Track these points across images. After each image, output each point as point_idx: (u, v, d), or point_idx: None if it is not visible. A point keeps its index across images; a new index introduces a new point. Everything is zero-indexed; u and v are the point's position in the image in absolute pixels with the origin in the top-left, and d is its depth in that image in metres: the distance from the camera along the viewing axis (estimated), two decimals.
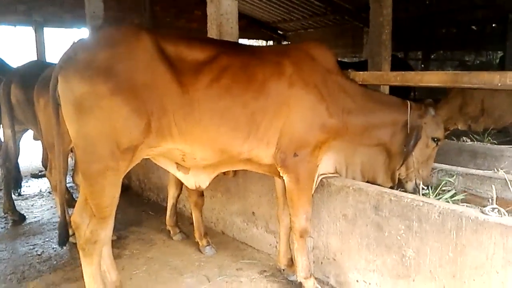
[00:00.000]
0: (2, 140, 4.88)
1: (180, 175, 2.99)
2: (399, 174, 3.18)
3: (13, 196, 4.86)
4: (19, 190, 4.93)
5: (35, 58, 8.40)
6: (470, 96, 5.72)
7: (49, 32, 9.31)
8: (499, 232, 2.21)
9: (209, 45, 2.80)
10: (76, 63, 2.40)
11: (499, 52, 10.15)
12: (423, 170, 3.15)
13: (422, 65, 11.75)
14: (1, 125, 4.79)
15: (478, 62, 10.69)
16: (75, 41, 2.62)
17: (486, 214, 2.31)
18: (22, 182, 5.93)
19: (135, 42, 2.48)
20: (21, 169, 5.08)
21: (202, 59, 2.65)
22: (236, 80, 2.68)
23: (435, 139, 3.14)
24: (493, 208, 2.32)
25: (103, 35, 2.59)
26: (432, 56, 12.10)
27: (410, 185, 3.18)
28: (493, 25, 10.12)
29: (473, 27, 10.50)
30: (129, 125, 2.42)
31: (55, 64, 4.44)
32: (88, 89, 2.34)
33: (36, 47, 8.89)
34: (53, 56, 8.48)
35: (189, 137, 2.63)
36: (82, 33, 9.62)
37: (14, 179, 4.83)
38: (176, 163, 2.92)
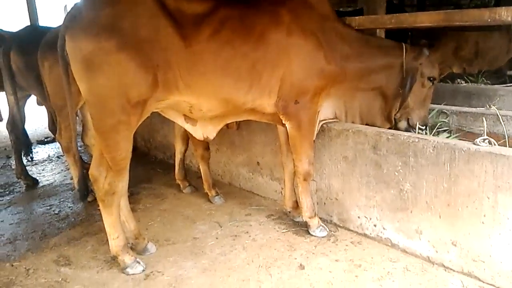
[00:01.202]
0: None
1: (188, 127, 3.13)
2: (395, 115, 3.32)
3: (25, 162, 5.01)
4: (30, 155, 5.06)
5: (28, 24, 8.31)
6: (464, 40, 5.78)
7: None
8: (489, 160, 2.38)
9: None
10: (81, 21, 2.49)
11: None
12: (420, 109, 3.29)
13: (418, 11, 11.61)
14: (5, 92, 4.85)
15: (473, 5, 10.57)
16: (66, 5, 2.69)
17: (477, 145, 2.47)
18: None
19: None
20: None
21: (202, 11, 2.73)
22: (235, 31, 2.77)
23: (431, 79, 3.25)
24: (484, 139, 2.48)
25: None
26: (427, 2, 11.93)
27: (402, 124, 3.31)
28: None
29: None
30: (137, 79, 2.53)
31: (52, 28, 4.51)
32: (94, 46, 2.45)
33: (28, 12, 8.77)
34: (46, 20, 8.38)
35: (195, 89, 2.76)
36: None
37: (24, 145, 4.95)
38: (184, 115, 3.05)
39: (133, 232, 3.11)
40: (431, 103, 3.45)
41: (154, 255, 3.11)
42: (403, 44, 3.21)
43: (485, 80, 5.09)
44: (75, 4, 2.64)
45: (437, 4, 11.93)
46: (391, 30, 3.79)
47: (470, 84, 4.91)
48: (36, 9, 8.82)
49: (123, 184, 2.85)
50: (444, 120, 3.54)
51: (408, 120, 3.31)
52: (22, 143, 4.89)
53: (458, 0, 11.16)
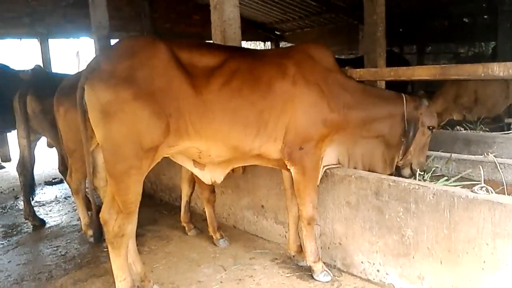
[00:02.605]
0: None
1: (197, 171, 3.25)
2: (397, 162, 3.44)
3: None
4: (32, 196, 5.15)
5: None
6: (464, 88, 5.98)
7: (53, 43, 9.57)
8: (487, 208, 2.47)
9: (218, 51, 3.07)
10: (100, 73, 2.66)
11: (491, 42, 10.40)
12: (419, 156, 3.43)
13: (418, 59, 12.01)
14: (17, 135, 5.01)
15: (471, 53, 10.95)
16: (78, 52, 2.89)
17: (476, 192, 2.56)
18: (37, 189, 6.21)
19: (152, 51, 2.75)
20: (35, 177, 5.33)
21: (213, 64, 2.91)
22: (244, 82, 2.94)
23: (430, 128, 3.41)
24: (482, 187, 2.57)
25: (122, 46, 2.85)
26: (427, 50, 12.35)
27: (407, 171, 3.45)
28: (485, 16, 10.36)
29: (465, 19, 10.75)
30: (150, 126, 2.68)
31: (64, 74, 4.72)
32: (112, 95, 2.61)
33: (42, 58, 9.16)
34: (58, 66, 8.71)
35: (204, 136, 2.90)
36: (85, 42, 9.90)
37: (29, 186, 5.04)
38: (193, 160, 3.18)
39: (139, 275, 3.15)
40: (431, 149, 3.58)
41: None
42: (403, 95, 3.38)
43: (483, 128, 5.23)
44: (94, 57, 2.83)
45: (436, 52, 12.36)
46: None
47: (469, 131, 5.05)
48: (49, 54, 9.21)
49: (132, 226, 2.93)
50: (437, 165, 3.65)
51: (410, 166, 3.43)
52: (28, 185, 4.98)
53: (456, 48, 11.57)
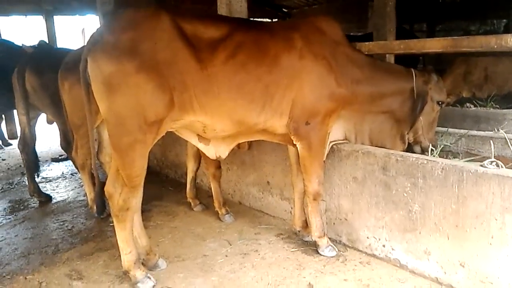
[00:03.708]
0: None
1: (201, 146, 3.22)
2: (408, 138, 3.40)
3: (37, 179, 5.10)
4: (38, 173, 5.16)
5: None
6: (474, 65, 5.86)
7: (58, 20, 9.49)
8: (496, 182, 2.42)
9: (223, 22, 2.99)
10: (103, 45, 2.61)
11: (503, 20, 10.16)
12: (429, 132, 3.37)
13: (428, 37, 11.79)
14: (17, 112, 4.97)
15: (482, 30, 10.72)
16: (84, 29, 2.84)
17: (485, 167, 2.52)
18: (44, 166, 6.24)
19: (155, 22, 2.68)
20: (41, 154, 5.32)
21: (218, 36, 2.84)
22: (250, 55, 2.87)
23: (440, 102, 3.35)
24: (491, 162, 2.53)
25: (125, 18, 2.79)
26: (438, 28, 12.10)
27: (417, 149, 3.41)
28: None
29: None
30: (154, 100, 2.64)
31: (69, 49, 4.67)
32: (115, 68, 2.56)
33: (47, 35, 9.09)
34: (64, 43, 8.66)
35: (209, 110, 2.85)
36: (91, 19, 9.81)
37: (33, 163, 5.05)
38: (198, 135, 3.15)
39: (144, 248, 3.16)
40: (440, 126, 3.53)
41: (164, 271, 3.15)
42: (412, 69, 3.31)
43: (494, 105, 5.14)
44: (97, 29, 2.78)
45: (447, 30, 12.11)
46: (401, 55, 3.90)
47: (479, 108, 4.96)
48: (54, 31, 9.14)
49: (137, 200, 2.93)
50: (446, 143, 3.60)
51: (421, 143, 3.39)
52: (31, 162, 4.97)
53: (467, 26, 11.33)
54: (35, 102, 4.65)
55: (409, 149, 3.43)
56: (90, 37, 2.74)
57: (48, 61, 4.41)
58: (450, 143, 3.54)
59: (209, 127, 2.99)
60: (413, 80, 3.27)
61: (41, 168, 6.39)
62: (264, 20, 13.59)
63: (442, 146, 3.41)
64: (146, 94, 2.62)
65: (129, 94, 2.61)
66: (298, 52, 3.00)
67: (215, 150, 3.26)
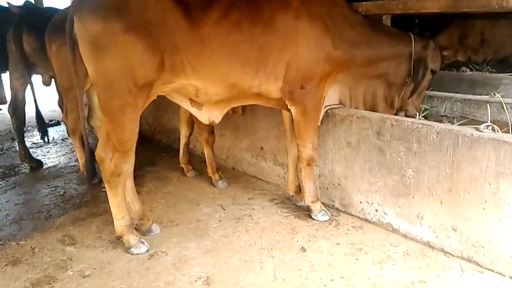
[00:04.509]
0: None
1: (194, 110, 3.15)
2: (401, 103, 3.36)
3: (27, 144, 5.03)
4: (47, 137, 5.11)
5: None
6: (469, 28, 5.75)
7: None
8: (492, 146, 2.40)
9: None
10: (89, 3, 2.50)
11: None
12: (417, 99, 3.36)
13: None
14: (10, 76, 4.83)
15: None
16: None
17: (481, 131, 2.49)
18: (34, 131, 6.14)
19: None
20: (31, 119, 5.21)
21: None
22: (243, 15, 2.77)
23: (433, 71, 3.29)
24: (487, 126, 2.50)
25: None
26: None
27: (403, 114, 3.38)
28: None
29: None
30: (143, 61, 2.55)
31: (57, 9, 4.49)
32: (102, 27, 2.46)
33: None
34: (51, 2, 8.33)
35: (201, 73, 2.77)
36: None
37: (41, 127, 4.97)
38: (190, 99, 3.07)
39: (138, 213, 3.15)
40: (435, 90, 3.49)
41: (158, 236, 3.16)
42: (411, 34, 3.23)
43: (490, 69, 5.08)
44: None
45: None
46: (397, 16, 3.79)
47: (475, 72, 4.90)
48: None
49: (129, 165, 2.88)
50: (426, 106, 3.60)
51: (406, 110, 3.37)
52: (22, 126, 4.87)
53: None
54: (37, 62, 4.48)
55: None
56: None
57: (44, 21, 4.24)
58: (431, 107, 3.52)
59: (202, 91, 2.92)
60: (411, 45, 3.20)
61: (31, 134, 6.35)
62: None
63: (427, 110, 3.40)
64: (135, 55, 2.54)
65: (117, 55, 2.52)
66: (293, 11, 2.89)
67: (208, 115, 3.20)
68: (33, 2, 5.49)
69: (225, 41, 2.75)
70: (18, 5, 4.70)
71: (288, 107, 3.07)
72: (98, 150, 2.86)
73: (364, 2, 3.32)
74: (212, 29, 2.71)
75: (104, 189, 2.97)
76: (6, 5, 4.91)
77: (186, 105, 3.18)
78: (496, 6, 2.51)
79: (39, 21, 4.30)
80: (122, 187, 2.89)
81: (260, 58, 2.86)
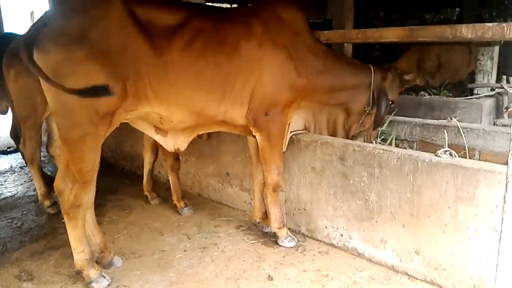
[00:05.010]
0: None
1: (158, 138, 3.10)
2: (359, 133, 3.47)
3: None
4: None
5: None
6: (426, 53, 6.00)
7: (5, 2, 8.88)
8: (450, 171, 2.48)
9: (180, 8, 2.85)
10: (50, 30, 2.44)
11: (456, 9, 10.47)
12: (374, 128, 3.46)
13: (385, 25, 11.99)
14: None
15: (437, 19, 11.01)
16: (33, 12, 2.65)
17: (439, 156, 2.57)
18: None
19: (106, 7, 2.52)
20: None
21: (174, 22, 2.71)
22: (208, 43, 2.77)
23: (390, 101, 3.42)
24: (445, 151, 2.58)
25: (74, 2, 2.61)
26: (394, 16, 12.33)
27: (359, 141, 3.45)
28: None
29: None
30: None
31: (17, 35, 4.38)
32: (63, 56, 2.40)
33: None
34: (11, 27, 8.13)
35: (165, 100, 2.74)
36: (40, 1, 9.25)
37: None
38: (155, 126, 3.02)
39: (99, 246, 3.03)
40: (395, 115, 3.61)
41: (120, 268, 3.04)
42: (371, 65, 3.35)
43: (447, 93, 5.30)
44: (44, 12, 2.58)
45: (403, 18, 12.36)
46: (359, 44, 3.91)
47: (432, 96, 5.09)
48: (1, 15, 8.56)
49: (89, 196, 2.79)
50: (383, 129, 3.71)
51: (364, 138, 3.48)
52: None
53: (422, 14, 11.60)
54: None
55: None
56: (36, 21, 2.55)
57: (2, 45, 4.11)
58: (404, 132, 3.63)
59: (166, 119, 2.88)
60: (371, 75, 3.31)
61: None
62: (224, 5, 13.35)
63: (384, 133, 3.51)
64: (96, 84, 2.48)
65: (78, 84, 2.45)
66: (257, 39, 2.92)
67: (174, 142, 3.15)
68: None
69: (190, 68, 2.74)
70: None
71: (253, 133, 3.08)
72: (57, 180, 2.76)
73: (326, 31, 3.40)
74: (176, 56, 2.69)
75: (63, 220, 2.85)
76: None
77: (150, 132, 3.13)
78: (451, 36, 2.62)
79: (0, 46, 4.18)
80: (82, 219, 2.79)
81: (225, 86, 2.86)
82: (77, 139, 2.56)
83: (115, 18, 2.52)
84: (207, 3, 4.24)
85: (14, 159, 6.26)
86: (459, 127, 3.36)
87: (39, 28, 2.46)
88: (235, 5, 13.34)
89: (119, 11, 2.54)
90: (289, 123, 3.19)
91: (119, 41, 2.52)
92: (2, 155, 6.52)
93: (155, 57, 2.63)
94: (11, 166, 5.89)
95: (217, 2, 12.82)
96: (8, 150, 6.63)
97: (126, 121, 2.94)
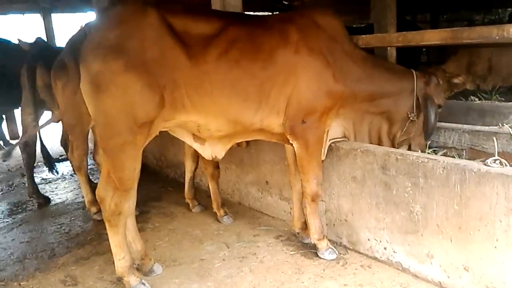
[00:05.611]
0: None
1: (197, 146, 3.12)
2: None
3: (37, 180, 5.05)
4: (55, 169, 5.16)
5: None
6: (477, 55, 5.71)
7: (56, 17, 9.37)
8: (501, 182, 2.31)
9: (215, 17, 2.88)
10: (89, 42, 2.52)
11: (508, 9, 9.93)
12: (420, 136, 3.31)
13: (432, 28, 11.56)
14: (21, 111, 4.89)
15: (487, 20, 10.48)
16: (83, 25, 2.75)
17: (488, 165, 2.40)
18: (44, 167, 6.18)
19: (142, 18, 2.59)
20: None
21: (209, 32, 2.74)
22: (243, 51, 2.77)
23: (438, 106, 3.25)
24: (495, 160, 2.41)
25: (112, 14, 2.70)
26: (441, 18, 11.87)
27: (404, 149, 3.30)
28: None
29: None
30: (143, 99, 2.54)
31: (63, 47, 4.57)
32: (102, 67, 2.48)
33: (45, 33, 8.99)
34: (63, 42, 8.55)
35: (202, 109, 2.75)
36: (89, 16, 9.69)
37: (48, 162, 5.00)
38: (193, 134, 3.05)
39: (139, 253, 3.09)
40: (443, 121, 3.44)
41: (160, 276, 3.08)
42: (413, 70, 3.21)
43: (499, 97, 5.00)
44: (83, 26, 2.69)
45: (451, 20, 11.88)
46: (404, 47, 3.78)
47: (483, 101, 4.82)
48: (52, 29, 9.03)
49: (129, 204, 2.84)
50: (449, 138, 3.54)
51: (409, 146, 3.32)
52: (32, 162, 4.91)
53: (471, 16, 11.10)
54: (45, 98, 4.54)
55: None
56: (76, 34, 2.66)
57: (54, 57, 4.30)
58: (453, 139, 3.44)
59: (203, 127, 2.90)
60: (413, 81, 3.17)
61: (41, 169, 6.38)
62: (265, 13, 13.41)
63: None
64: (134, 94, 2.53)
65: (117, 94, 2.52)
66: (293, 46, 2.88)
67: (211, 150, 3.16)
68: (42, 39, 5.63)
69: (226, 77, 2.75)
70: (29, 42, 4.82)
71: (290, 141, 3.03)
72: (99, 188, 2.84)
73: (365, 35, 3.30)
74: (212, 65, 2.71)
75: None
76: (17, 42, 5.05)
77: (188, 140, 3.16)
78: (497, 37, 2.46)
79: (51, 57, 4.37)
80: (122, 226, 2.85)
81: (261, 94, 2.84)
82: (117, 147, 2.62)
83: (151, 29, 2.57)
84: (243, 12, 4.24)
85: (66, 166, 6.52)
86: (511, 133, 3.14)
87: (81, 38, 2.55)
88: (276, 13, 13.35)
89: (155, 22, 2.59)
90: (327, 131, 3.11)
91: (155, 52, 2.57)
92: (55, 163, 6.80)
93: (192, 66, 2.65)
94: (62, 174, 6.15)
95: (256, 11, 12.89)
96: (60, 158, 6.93)
97: (165, 129, 2.98)
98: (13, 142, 8.42)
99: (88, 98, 2.59)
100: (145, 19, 2.58)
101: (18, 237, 4.02)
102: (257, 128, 2.98)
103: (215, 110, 2.81)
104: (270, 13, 13.31)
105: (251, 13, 12.58)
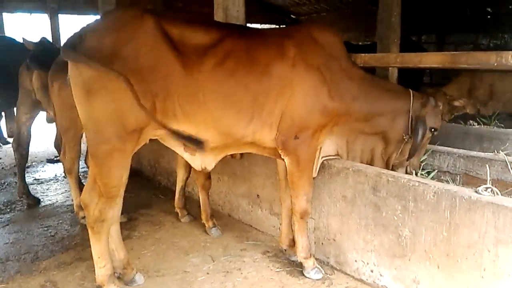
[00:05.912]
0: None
1: (187, 156, 3.07)
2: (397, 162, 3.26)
3: (28, 180, 5.00)
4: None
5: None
6: (479, 80, 5.68)
7: (63, 18, 9.44)
8: (491, 211, 2.26)
9: (213, 28, 2.85)
10: (85, 46, 2.49)
11: None
12: (415, 158, 3.24)
13: (437, 49, 11.54)
14: (17, 110, 4.87)
15: (493, 45, 10.46)
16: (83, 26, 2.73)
17: (480, 193, 2.35)
18: (38, 167, 6.16)
19: (139, 25, 2.56)
20: (37, 154, 5.21)
21: (206, 42, 2.71)
22: (239, 63, 2.74)
23: (433, 129, 3.20)
24: (487, 188, 2.36)
25: (108, 19, 2.69)
26: (447, 40, 11.86)
27: (401, 171, 3.24)
28: (509, 6, 9.85)
29: (488, 8, 10.25)
30: (134, 107, 2.50)
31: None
32: (95, 72, 2.44)
33: (51, 33, 9.04)
34: None
35: (194, 119, 2.72)
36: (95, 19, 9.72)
37: (25, 164, 4.95)
38: (184, 144, 3.00)
39: (122, 262, 3.03)
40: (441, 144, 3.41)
41: (141, 286, 3.02)
42: (410, 91, 3.16)
43: (498, 123, 4.96)
44: (79, 30, 2.66)
45: (456, 42, 11.86)
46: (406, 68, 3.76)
47: (482, 126, 4.78)
48: (59, 30, 9.09)
49: (114, 211, 2.80)
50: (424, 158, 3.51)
51: (406, 168, 3.26)
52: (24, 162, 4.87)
53: (477, 39, 11.09)
54: (42, 99, 4.52)
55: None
56: (71, 37, 2.62)
57: (53, 56, 4.29)
58: (447, 163, 3.39)
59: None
60: (410, 102, 3.13)
61: (34, 169, 6.35)
62: (272, 26, 13.47)
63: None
64: (126, 100, 2.50)
65: (108, 100, 2.50)
66: (290, 60, 2.85)
67: (201, 161, 3.11)
68: (50, 40, 5.64)
69: (220, 88, 2.72)
70: (34, 41, 4.81)
71: (282, 157, 2.98)
72: (84, 194, 2.79)
73: (363, 54, 3.27)
74: (207, 75, 2.68)
75: None
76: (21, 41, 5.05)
77: (179, 150, 3.11)
78: (496, 64, 2.42)
79: (52, 58, 4.36)
80: (105, 234, 2.79)
81: (255, 106, 2.81)
82: (105, 154, 2.59)
83: (147, 37, 2.55)
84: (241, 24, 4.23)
85: (60, 167, 6.48)
86: (507, 161, 3.09)
87: (76, 41, 2.52)
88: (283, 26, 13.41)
89: (150, 30, 2.56)
90: (320, 148, 3.07)
91: (150, 59, 2.55)
92: (49, 164, 6.80)
93: (185, 75, 2.63)
94: (56, 175, 6.11)
95: (264, 24, 12.94)
96: (55, 159, 6.90)
97: (155, 138, 2.94)
98: (11, 140, 8.43)
99: (79, 102, 2.57)
100: (141, 26, 2.56)
101: (2, 238, 3.96)
102: (249, 141, 2.94)
103: (207, 120, 2.77)
104: (277, 26, 13.41)
105: (258, 25, 12.65)
